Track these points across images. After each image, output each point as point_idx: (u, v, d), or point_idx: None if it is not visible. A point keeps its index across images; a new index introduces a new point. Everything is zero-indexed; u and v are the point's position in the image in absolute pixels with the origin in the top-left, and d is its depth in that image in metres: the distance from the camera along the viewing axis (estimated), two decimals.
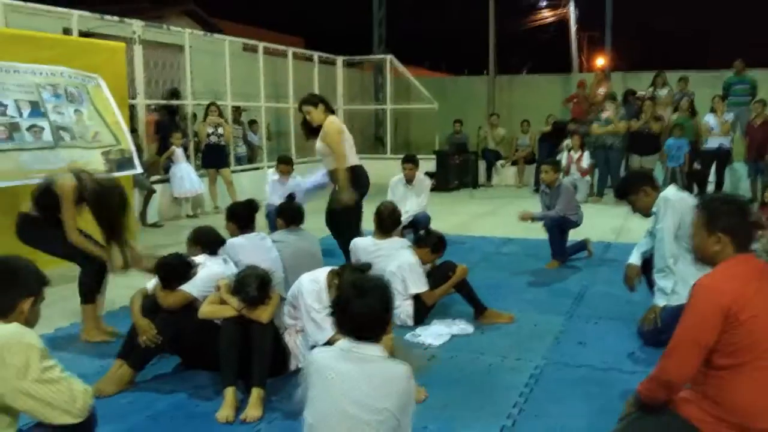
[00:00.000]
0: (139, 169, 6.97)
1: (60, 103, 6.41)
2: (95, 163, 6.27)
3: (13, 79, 6.11)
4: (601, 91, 13.03)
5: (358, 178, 5.64)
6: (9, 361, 2.16)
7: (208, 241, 4.30)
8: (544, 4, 27.04)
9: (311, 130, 5.69)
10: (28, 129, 6.15)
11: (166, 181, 9.48)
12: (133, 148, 6.76)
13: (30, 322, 2.39)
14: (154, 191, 8.96)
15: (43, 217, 4.45)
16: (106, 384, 3.65)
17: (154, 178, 9.27)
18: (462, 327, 4.69)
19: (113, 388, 3.66)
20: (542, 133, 13.14)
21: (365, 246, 5.09)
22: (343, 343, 2.31)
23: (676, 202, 4.26)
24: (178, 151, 9.47)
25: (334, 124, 5.59)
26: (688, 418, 2.35)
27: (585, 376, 3.93)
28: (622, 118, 11.37)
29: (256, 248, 4.69)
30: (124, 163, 6.67)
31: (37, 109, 6.24)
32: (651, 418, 2.43)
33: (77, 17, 8.06)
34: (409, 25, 23.11)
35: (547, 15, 27.03)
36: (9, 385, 2.16)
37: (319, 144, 5.63)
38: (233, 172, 10.39)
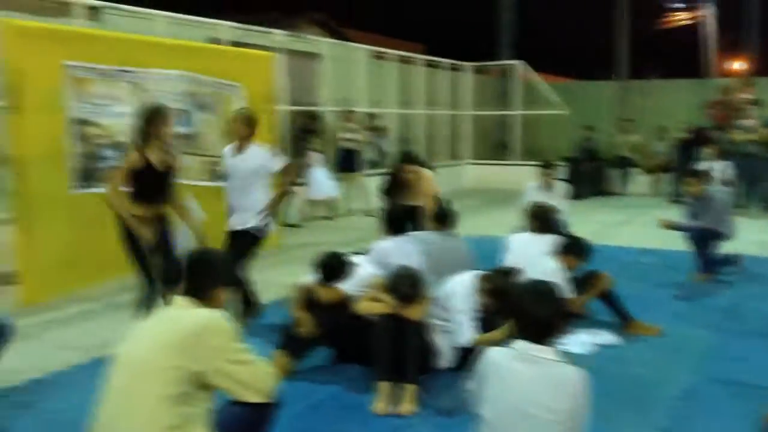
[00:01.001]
0: None
1: (195, 112, 6.81)
2: (196, 171, 6.59)
3: (170, 87, 6.57)
4: (745, 96, 12.34)
5: None
6: (210, 342, 2.38)
7: (332, 274, 4.15)
8: (679, 5, 25.89)
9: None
10: (181, 136, 6.61)
11: (303, 184, 9.88)
12: None
13: (223, 309, 2.62)
14: (293, 194, 9.37)
15: None
16: None
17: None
18: (607, 337, 4.62)
19: None
20: (680, 140, 12.59)
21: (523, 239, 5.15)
22: (518, 344, 2.38)
23: None
24: (315, 156, 9.86)
25: None
26: None
27: (739, 392, 3.79)
28: (766, 125, 10.73)
29: (402, 251, 4.83)
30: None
31: (182, 117, 6.68)
32: None
33: (225, 28, 8.58)
34: (534, 29, 22.80)
35: (682, 17, 25.86)
36: (209, 365, 2.37)
37: None
38: (365, 176, 10.68)
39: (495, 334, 3.80)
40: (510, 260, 4.93)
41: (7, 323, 3.32)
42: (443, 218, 5.25)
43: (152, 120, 4.54)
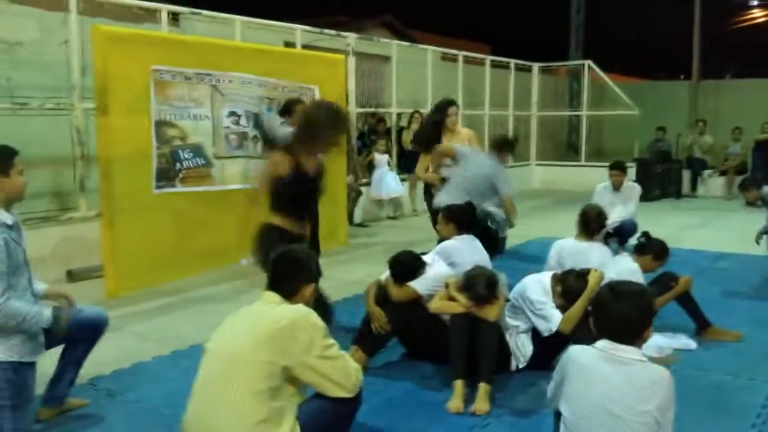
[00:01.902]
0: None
1: (269, 116, 6.95)
2: None
3: (246, 91, 6.74)
4: None
5: None
6: (298, 337, 2.46)
7: (405, 272, 4.15)
8: (754, 3, 24.99)
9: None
10: (252, 138, 6.78)
11: (368, 184, 9.99)
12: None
13: (309, 305, 2.69)
14: (360, 193, 9.49)
15: None
16: None
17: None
18: (684, 342, 4.53)
19: None
20: (757, 141, 12.17)
21: (569, 247, 5.06)
22: (601, 343, 2.37)
23: None
24: (380, 157, 9.95)
25: None
26: None
27: None
28: None
29: (469, 250, 4.85)
30: None
31: (257, 120, 6.84)
32: None
33: (299, 31, 8.75)
34: (602, 28, 22.37)
35: (757, 14, 24.95)
36: (297, 359, 2.45)
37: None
38: None
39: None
40: (567, 258, 4.88)
41: (103, 316, 3.48)
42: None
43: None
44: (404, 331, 4.12)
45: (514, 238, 7.42)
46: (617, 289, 2.42)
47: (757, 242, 6.64)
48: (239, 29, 7.86)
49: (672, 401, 2.32)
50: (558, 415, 2.49)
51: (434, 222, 5.66)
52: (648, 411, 2.25)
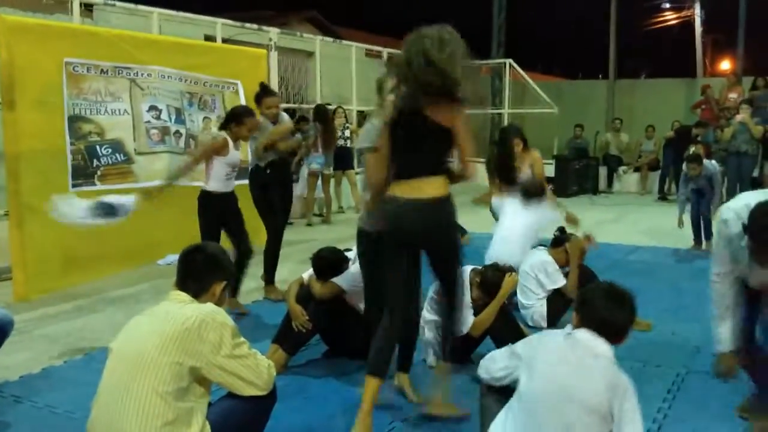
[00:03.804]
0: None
1: (192, 111, 6.84)
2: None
3: (166, 85, 6.59)
4: (733, 96, 12.46)
5: None
6: (206, 337, 2.40)
7: (328, 268, 4.13)
8: (667, 5, 26.08)
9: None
10: (174, 134, 6.64)
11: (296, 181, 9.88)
12: (250, 158, 5.98)
13: (219, 304, 2.63)
14: None
15: None
16: None
17: None
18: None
19: None
20: (667, 139, 12.73)
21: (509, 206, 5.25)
22: (580, 333, 2.44)
23: None
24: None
25: None
26: None
27: (729, 385, 3.85)
28: (758, 123, 10.83)
29: None
30: None
31: (180, 116, 6.70)
32: None
33: (220, 25, 8.59)
34: (524, 28, 22.92)
35: (670, 17, 26.07)
36: (205, 359, 2.39)
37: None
38: (357, 173, 10.70)
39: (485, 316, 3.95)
40: (501, 231, 5.05)
41: (7, 318, 3.33)
42: None
43: None
44: (326, 329, 4.11)
45: None
46: (612, 292, 2.50)
47: (680, 226, 7.28)
48: (157, 22, 7.65)
49: (631, 410, 2.40)
50: (493, 397, 2.60)
51: None
52: (598, 408, 2.33)
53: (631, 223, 9.59)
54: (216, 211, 5.04)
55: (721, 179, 7.79)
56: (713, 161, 7.93)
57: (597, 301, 2.46)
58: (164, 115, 6.54)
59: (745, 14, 16.30)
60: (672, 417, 3.48)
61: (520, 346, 2.60)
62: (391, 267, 3.28)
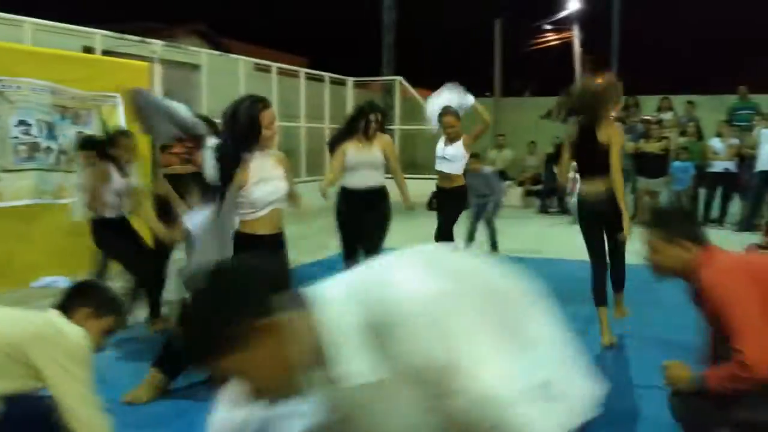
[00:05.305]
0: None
1: (64, 125, 6.53)
2: (64, 188, 6.32)
3: (38, 98, 6.27)
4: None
5: None
6: (35, 350, 2.36)
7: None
8: (549, 27, 27.43)
9: None
10: (45, 149, 6.32)
11: None
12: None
13: (91, 332, 2.56)
14: None
15: None
16: (141, 392, 3.79)
17: None
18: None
19: (148, 396, 3.80)
20: (548, 154, 13.35)
21: None
22: None
23: None
24: None
25: None
26: None
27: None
28: (630, 140, 11.50)
29: None
30: None
31: (51, 131, 6.39)
32: None
33: (100, 36, 8.26)
34: (414, 46, 23.45)
35: (551, 38, 27.41)
36: (39, 361, 2.35)
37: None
38: None
39: None
40: None
41: None
42: None
43: None
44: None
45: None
46: None
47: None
48: (30, 32, 7.27)
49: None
50: None
51: None
52: None
53: (513, 236, 9.95)
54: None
55: None
56: None
57: None
58: (34, 130, 6.22)
59: (618, 37, 17.41)
60: None
61: None
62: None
